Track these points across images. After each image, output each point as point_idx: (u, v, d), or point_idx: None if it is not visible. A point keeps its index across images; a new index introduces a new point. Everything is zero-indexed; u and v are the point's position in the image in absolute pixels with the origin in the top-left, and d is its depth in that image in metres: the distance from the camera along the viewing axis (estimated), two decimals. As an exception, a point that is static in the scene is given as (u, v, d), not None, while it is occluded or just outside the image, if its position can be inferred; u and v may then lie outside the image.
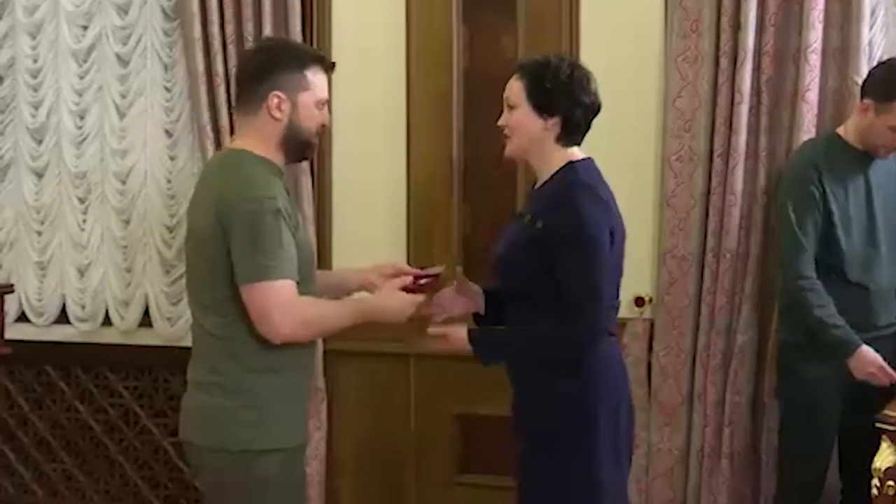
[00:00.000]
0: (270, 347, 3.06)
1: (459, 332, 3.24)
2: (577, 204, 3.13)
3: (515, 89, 3.25)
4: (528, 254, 3.18)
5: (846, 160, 3.81)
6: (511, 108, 3.26)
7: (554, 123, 3.21)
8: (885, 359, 3.73)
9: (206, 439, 3.13)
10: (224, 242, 3.03)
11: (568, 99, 3.21)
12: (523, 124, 3.24)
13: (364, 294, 3.45)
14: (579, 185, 3.18)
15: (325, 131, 3.30)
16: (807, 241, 3.76)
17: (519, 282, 3.22)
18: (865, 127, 3.78)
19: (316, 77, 3.17)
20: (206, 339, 3.13)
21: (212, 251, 3.05)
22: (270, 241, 2.99)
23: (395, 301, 3.21)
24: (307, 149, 3.23)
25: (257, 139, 3.15)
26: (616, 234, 3.19)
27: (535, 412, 3.25)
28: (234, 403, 3.07)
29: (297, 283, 3.07)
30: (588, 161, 3.29)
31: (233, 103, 4.60)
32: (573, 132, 3.25)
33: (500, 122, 3.30)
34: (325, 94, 3.21)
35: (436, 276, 3.36)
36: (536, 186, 3.33)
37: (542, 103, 3.21)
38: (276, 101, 3.11)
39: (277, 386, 3.10)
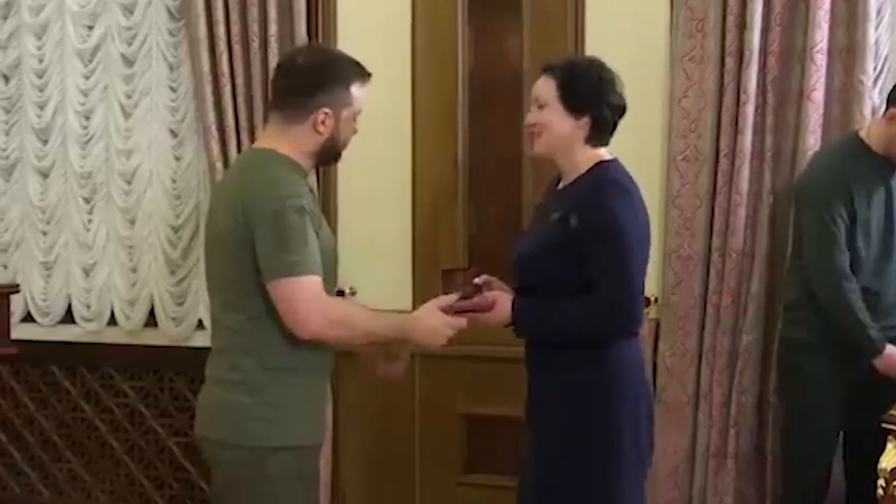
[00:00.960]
0: (290, 346, 3.07)
1: (505, 301, 3.24)
2: (613, 201, 3.16)
3: (546, 88, 3.26)
4: (559, 251, 3.18)
5: (869, 166, 3.80)
6: (541, 106, 3.27)
7: (584, 123, 3.24)
8: None
9: (223, 434, 3.14)
10: (247, 241, 3.04)
11: (598, 100, 3.25)
12: (554, 123, 3.25)
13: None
14: (615, 183, 3.22)
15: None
16: (843, 241, 3.76)
17: (548, 278, 3.22)
18: (892, 135, 3.77)
19: (359, 92, 3.21)
20: (226, 336, 3.15)
21: (234, 249, 3.06)
22: (295, 239, 3.01)
23: (435, 320, 3.15)
24: (336, 158, 3.31)
25: (291, 144, 3.17)
26: (646, 233, 3.27)
27: (557, 402, 3.24)
28: (251, 400, 3.08)
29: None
30: (617, 161, 3.32)
31: (238, 103, 4.65)
32: (602, 132, 3.28)
33: (528, 120, 3.30)
34: (362, 106, 3.24)
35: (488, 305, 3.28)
36: (563, 185, 3.33)
37: (575, 104, 3.24)
38: (322, 117, 3.14)
39: (295, 384, 3.11)
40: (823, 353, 3.80)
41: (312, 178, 4.47)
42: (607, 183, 3.21)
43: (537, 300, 3.23)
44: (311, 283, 3.02)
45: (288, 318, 3.03)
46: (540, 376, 3.32)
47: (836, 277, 3.74)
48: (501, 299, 3.24)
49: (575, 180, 3.27)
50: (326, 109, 3.14)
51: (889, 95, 3.80)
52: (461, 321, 3.16)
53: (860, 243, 3.77)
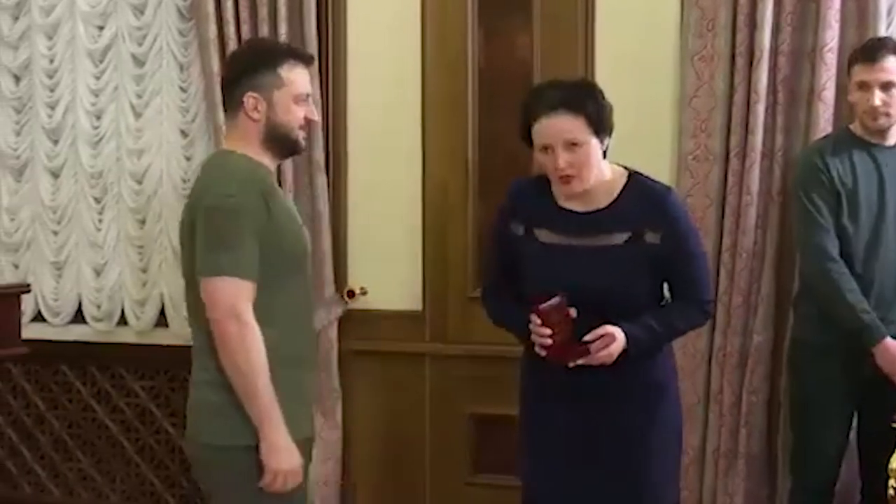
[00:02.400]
0: None
1: (617, 331, 3.10)
2: (680, 207, 3.28)
3: (576, 127, 3.09)
4: (646, 273, 3.16)
5: (855, 149, 3.79)
6: (575, 145, 3.09)
7: (604, 140, 3.18)
8: None
9: (197, 434, 3.16)
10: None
11: (610, 115, 3.19)
12: (592, 157, 3.13)
13: None
14: (670, 189, 3.28)
15: (312, 126, 3.28)
16: (826, 223, 3.74)
17: (639, 305, 3.16)
18: (852, 106, 3.80)
19: (291, 73, 3.17)
20: (197, 336, 3.16)
21: (192, 248, 3.10)
22: (227, 239, 3.01)
23: (293, 458, 3.06)
24: (292, 145, 3.23)
25: (242, 140, 3.18)
26: None
27: (635, 403, 3.23)
28: (220, 399, 3.07)
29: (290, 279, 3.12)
30: None
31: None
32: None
33: (562, 165, 3.09)
34: (303, 89, 3.20)
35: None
36: (601, 206, 3.20)
37: (601, 129, 3.14)
38: (251, 101, 3.13)
39: None
40: (827, 351, 3.79)
41: (323, 177, 4.53)
42: (666, 192, 3.23)
43: (641, 320, 3.14)
44: (235, 287, 3.01)
45: (210, 317, 3.03)
46: (607, 384, 3.19)
47: (821, 258, 3.73)
48: (614, 330, 3.10)
49: (618, 197, 3.19)
50: (253, 94, 3.13)
51: None
52: (299, 461, 3.08)
53: (846, 223, 3.75)
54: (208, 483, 3.22)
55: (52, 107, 5.16)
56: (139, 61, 5.01)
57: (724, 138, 4.12)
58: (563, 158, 3.10)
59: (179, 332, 4.98)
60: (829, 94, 3.97)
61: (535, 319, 3.08)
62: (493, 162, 4.54)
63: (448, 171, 4.57)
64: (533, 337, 3.11)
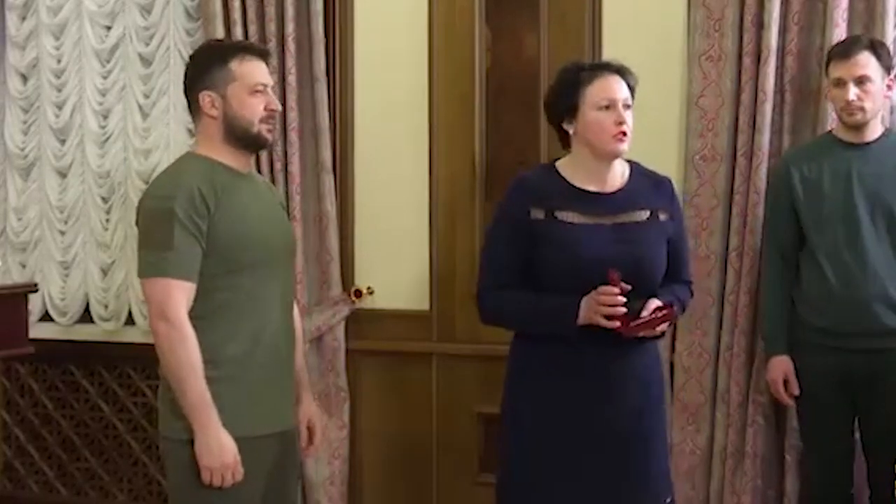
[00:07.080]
0: (204, 339, 3.09)
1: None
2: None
3: (627, 92, 3.31)
4: (664, 248, 3.35)
5: (828, 152, 3.79)
6: (629, 107, 3.29)
7: None
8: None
9: (160, 426, 3.25)
10: None
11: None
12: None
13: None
14: (667, 177, 3.48)
15: (275, 115, 3.27)
16: (780, 224, 3.87)
17: (659, 279, 3.35)
18: (833, 104, 3.82)
19: (242, 66, 3.20)
20: None
21: None
22: (156, 240, 3.08)
23: (219, 442, 3.08)
24: (254, 138, 3.24)
25: (205, 141, 3.24)
26: None
27: (653, 372, 3.39)
28: (170, 394, 3.13)
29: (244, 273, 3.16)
30: None
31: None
32: None
33: (623, 119, 3.26)
34: (258, 80, 3.22)
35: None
36: (615, 188, 3.34)
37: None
38: (207, 100, 3.20)
39: (210, 378, 3.08)
40: (814, 348, 3.80)
41: (330, 177, 4.53)
42: (668, 179, 3.46)
43: (668, 294, 3.34)
44: (164, 287, 3.07)
45: (148, 314, 3.14)
46: (620, 366, 3.31)
47: (765, 262, 3.97)
48: (662, 302, 3.27)
49: (629, 180, 3.36)
50: (208, 92, 3.18)
51: None
52: (236, 463, 3.10)
53: (811, 228, 3.77)
54: (167, 473, 3.29)
55: (60, 106, 5.18)
56: (146, 61, 5.03)
57: (732, 138, 4.12)
58: (622, 115, 3.26)
59: (186, 331, 4.99)
60: (836, 93, 3.97)
61: (613, 290, 3.14)
62: (500, 161, 4.54)
63: (455, 170, 4.57)
64: (605, 309, 3.15)
